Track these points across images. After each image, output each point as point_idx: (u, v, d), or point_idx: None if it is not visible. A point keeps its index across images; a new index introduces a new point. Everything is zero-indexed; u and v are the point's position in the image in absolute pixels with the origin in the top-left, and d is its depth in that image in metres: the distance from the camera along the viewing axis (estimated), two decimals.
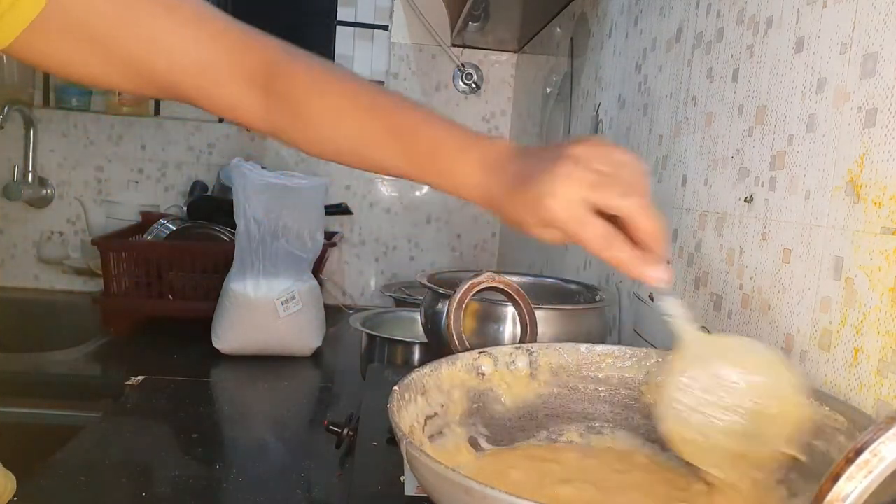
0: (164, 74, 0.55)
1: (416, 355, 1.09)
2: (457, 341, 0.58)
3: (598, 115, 1.15)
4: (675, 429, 0.46)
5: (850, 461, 0.25)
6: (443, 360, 0.52)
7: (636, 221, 0.46)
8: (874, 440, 0.25)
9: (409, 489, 0.56)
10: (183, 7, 0.55)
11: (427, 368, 0.50)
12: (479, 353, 0.54)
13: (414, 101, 0.57)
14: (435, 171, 0.53)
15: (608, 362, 0.58)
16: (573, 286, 0.90)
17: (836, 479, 0.25)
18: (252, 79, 0.56)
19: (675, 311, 0.49)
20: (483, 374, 0.54)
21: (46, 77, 1.82)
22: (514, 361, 0.56)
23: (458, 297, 0.59)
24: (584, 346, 0.58)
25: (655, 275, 0.47)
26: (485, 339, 0.71)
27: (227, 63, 0.56)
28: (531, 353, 0.56)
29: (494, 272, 0.62)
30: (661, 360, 0.56)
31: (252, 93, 0.56)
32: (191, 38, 0.55)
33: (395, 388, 0.45)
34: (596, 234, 0.46)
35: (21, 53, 0.52)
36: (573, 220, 0.46)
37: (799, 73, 0.59)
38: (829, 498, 0.25)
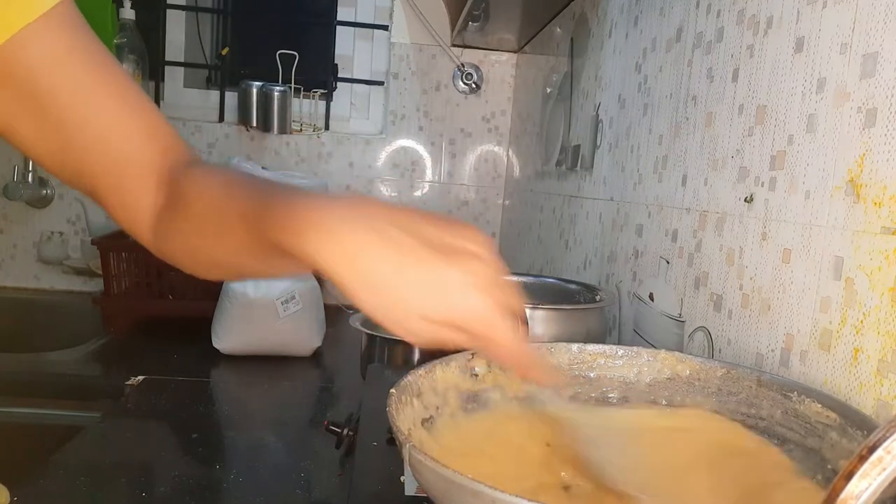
0: (85, 158, 0.53)
1: (416, 355, 1.09)
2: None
3: (598, 115, 1.15)
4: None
5: (863, 459, 0.25)
6: (437, 361, 0.52)
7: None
8: (888, 437, 0.25)
9: (409, 489, 0.56)
10: (128, 98, 0.54)
11: (422, 370, 0.50)
12: (473, 354, 0.54)
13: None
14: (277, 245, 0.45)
15: (599, 362, 0.58)
16: (573, 286, 0.90)
17: (849, 476, 0.25)
18: (159, 186, 0.54)
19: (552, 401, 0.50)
20: (477, 376, 0.54)
21: None
22: None
23: None
24: (575, 346, 0.58)
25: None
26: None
27: (147, 166, 0.54)
28: None
29: None
30: (651, 358, 0.56)
31: (153, 201, 0.55)
32: (126, 130, 0.53)
33: (392, 390, 0.45)
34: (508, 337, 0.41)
35: None
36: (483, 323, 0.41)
37: (799, 73, 0.59)
38: (842, 496, 0.25)
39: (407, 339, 0.41)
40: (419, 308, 0.39)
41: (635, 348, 0.58)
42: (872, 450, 0.25)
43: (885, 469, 0.25)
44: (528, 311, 0.67)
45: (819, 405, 0.46)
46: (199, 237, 0.52)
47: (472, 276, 0.40)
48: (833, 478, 0.42)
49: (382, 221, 0.40)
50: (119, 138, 0.53)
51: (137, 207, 0.55)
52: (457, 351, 0.56)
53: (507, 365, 0.45)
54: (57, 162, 0.54)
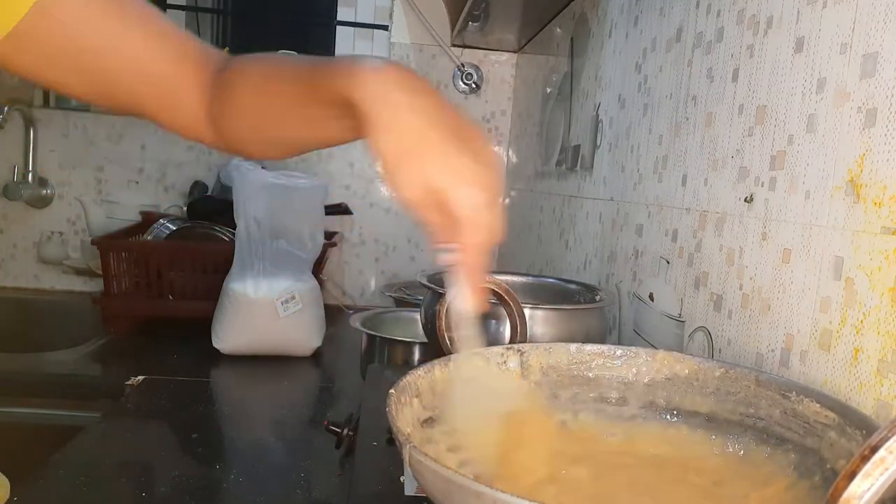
0: (131, 92, 0.57)
1: (416, 355, 1.09)
2: (449, 343, 0.58)
3: (598, 115, 1.15)
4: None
5: (865, 459, 0.25)
6: (436, 361, 0.52)
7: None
8: (889, 437, 0.25)
9: (409, 489, 0.56)
10: (153, 30, 0.57)
11: (421, 370, 0.50)
12: (472, 354, 0.54)
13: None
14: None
15: (598, 362, 0.58)
16: (573, 286, 0.90)
17: (851, 476, 0.25)
18: (206, 94, 0.58)
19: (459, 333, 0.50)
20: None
21: None
22: (505, 362, 0.56)
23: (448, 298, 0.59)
24: (573, 346, 0.58)
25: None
26: (486, 338, 0.72)
27: (189, 85, 0.58)
28: (522, 354, 0.56)
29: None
30: (650, 358, 0.56)
31: (205, 108, 0.58)
32: (161, 61, 0.57)
33: (392, 391, 0.45)
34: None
35: None
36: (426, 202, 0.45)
37: (799, 73, 0.59)
38: (845, 496, 0.25)
39: (397, 192, 0.45)
40: (429, 171, 0.44)
41: (633, 348, 0.58)
42: (875, 450, 0.25)
43: (887, 469, 0.25)
44: (527, 312, 0.67)
45: (818, 405, 0.46)
46: (254, 112, 0.56)
47: (484, 176, 0.44)
48: (832, 478, 0.42)
49: (426, 93, 0.46)
50: (156, 71, 0.56)
51: (189, 115, 0.59)
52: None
53: (459, 263, 0.46)
54: (102, 100, 0.58)
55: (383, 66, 0.47)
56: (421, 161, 0.44)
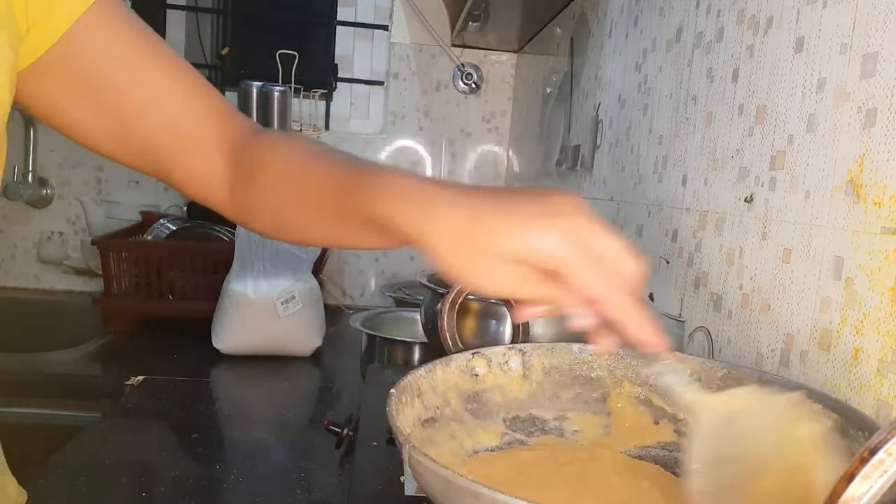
0: (145, 136, 0.54)
1: (416, 355, 1.09)
2: (451, 342, 0.58)
3: (598, 115, 1.15)
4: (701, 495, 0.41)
5: (864, 461, 0.25)
6: (437, 361, 0.52)
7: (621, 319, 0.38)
8: (889, 439, 0.25)
9: (409, 489, 0.56)
10: (182, 76, 0.55)
11: (422, 370, 0.50)
12: (473, 354, 0.54)
13: (372, 166, 0.49)
14: (370, 219, 0.45)
15: (600, 362, 0.58)
16: None
17: (850, 478, 0.25)
18: (226, 153, 0.56)
19: (673, 377, 0.42)
20: (477, 376, 0.54)
21: None
22: (507, 362, 0.56)
23: (450, 298, 0.59)
24: (575, 346, 0.58)
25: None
26: (486, 338, 0.72)
27: (210, 136, 0.55)
28: (524, 354, 0.56)
29: None
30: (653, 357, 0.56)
31: (224, 166, 0.56)
32: (186, 106, 0.54)
33: (392, 390, 0.45)
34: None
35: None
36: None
37: (799, 73, 0.59)
38: (843, 498, 0.25)
39: (489, 288, 0.39)
40: (492, 246, 0.38)
41: (636, 349, 0.57)
42: (873, 452, 0.25)
43: (886, 471, 0.25)
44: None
45: (820, 406, 0.46)
46: (282, 205, 0.53)
47: (548, 208, 0.38)
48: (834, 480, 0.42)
49: (460, 187, 0.41)
50: (179, 115, 0.54)
51: (207, 176, 0.56)
52: (458, 351, 0.56)
53: (605, 317, 0.39)
54: (115, 145, 0.55)
55: (405, 187, 0.42)
56: (482, 247, 0.38)
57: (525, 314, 0.42)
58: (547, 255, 0.37)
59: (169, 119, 0.54)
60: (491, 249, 0.38)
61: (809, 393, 0.47)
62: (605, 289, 0.37)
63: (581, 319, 0.39)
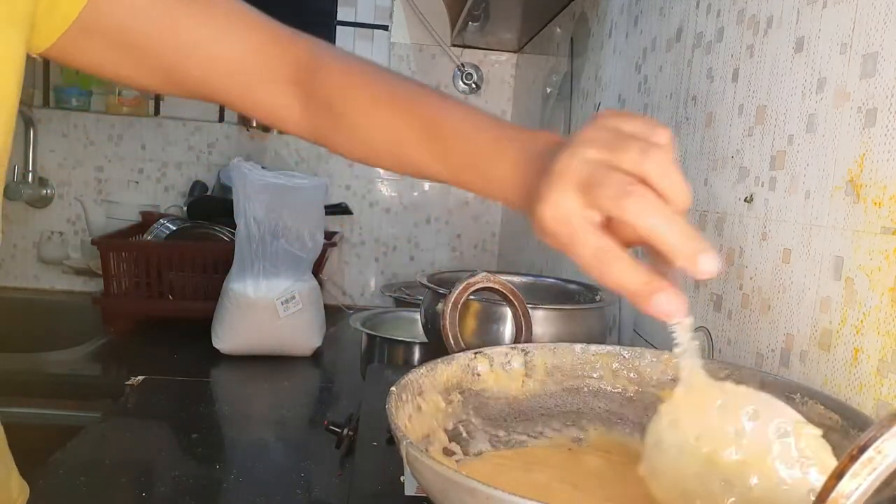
0: (198, 79, 0.54)
1: (416, 355, 1.09)
2: (452, 342, 0.58)
3: None
4: (655, 469, 0.41)
5: (853, 458, 0.25)
6: (439, 360, 0.52)
7: (639, 227, 0.35)
8: (878, 437, 0.25)
9: (409, 489, 0.56)
10: (218, 7, 0.53)
11: (423, 369, 0.50)
12: (475, 353, 0.54)
13: (453, 99, 0.52)
14: (472, 175, 0.48)
15: (602, 362, 0.58)
16: (573, 286, 0.90)
17: (839, 476, 0.25)
18: (288, 78, 0.54)
19: (687, 344, 0.41)
20: (479, 375, 0.54)
21: (46, 77, 1.82)
22: (509, 362, 0.56)
23: (453, 297, 0.59)
24: (578, 346, 0.58)
25: (661, 306, 0.36)
26: (487, 338, 0.72)
27: (263, 63, 0.54)
28: (526, 354, 0.56)
29: (490, 272, 0.62)
30: (655, 359, 0.56)
31: (289, 92, 0.55)
32: (226, 38, 0.53)
33: (392, 388, 0.45)
34: (587, 252, 0.37)
35: (52, 54, 0.51)
36: (562, 233, 0.38)
37: (799, 73, 0.59)
38: (833, 496, 0.25)
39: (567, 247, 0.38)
40: (584, 156, 0.37)
41: (639, 349, 0.57)
42: (863, 450, 0.25)
43: (875, 469, 0.25)
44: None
45: (822, 407, 0.46)
46: (370, 139, 0.53)
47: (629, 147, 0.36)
48: None
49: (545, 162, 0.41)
50: (232, 54, 0.53)
51: (276, 106, 0.55)
52: (459, 351, 0.56)
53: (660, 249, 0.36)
54: (174, 89, 0.55)
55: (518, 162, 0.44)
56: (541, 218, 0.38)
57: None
58: (634, 218, 0.35)
59: (220, 61, 0.53)
60: (537, 226, 0.40)
61: (798, 388, 0.47)
62: (667, 230, 0.35)
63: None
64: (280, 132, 0.60)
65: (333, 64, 0.55)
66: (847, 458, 0.25)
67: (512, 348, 0.56)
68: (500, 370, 0.55)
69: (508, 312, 0.71)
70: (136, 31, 0.51)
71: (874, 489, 0.25)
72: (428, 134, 0.50)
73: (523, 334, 0.62)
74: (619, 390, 0.57)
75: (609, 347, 0.58)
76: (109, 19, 0.50)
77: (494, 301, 0.70)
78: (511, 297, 0.62)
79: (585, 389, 0.57)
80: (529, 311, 0.64)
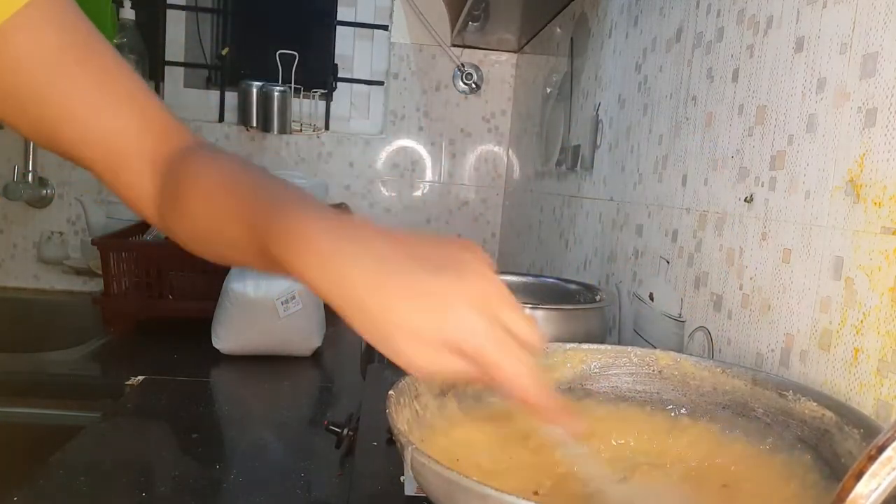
0: (71, 142, 0.52)
1: None
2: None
3: (598, 115, 1.15)
4: None
5: (872, 458, 0.25)
6: None
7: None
8: None
9: (409, 489, 0.56)
10: (115, 87, 0.51)
11: None
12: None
13: (293, 189, 0.47)
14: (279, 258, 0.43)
15: (596, 361, 0.58)
16: (573, 286, 0.90)
17: (858, 476, 0.25)
18: (158, 172, 0.53)
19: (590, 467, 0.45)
20: None
21: None
22: None
23: None
24: (569, 346, 0.58)
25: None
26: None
27: (140, 153, 0.53)
28: None
29: None
30: (646, 357, 0.56)
31: (153, 185, 0.53)
32: (114, 121, 0.51)
33: (391, 392, 0.45)
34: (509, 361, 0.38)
35: None
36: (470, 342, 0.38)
37: (799, 73, 0.59)
38: (852, 496, 0.25)
39: (407, 368, 0.38)
40: (408, 327, 0.36)
41: (628, 348, 0.57)
42: (882, 449, 0.25)
43: (894, 469, 0.24)
44: (527, 312, 0.67)
45: (815, 404, 0.46)
46: (201, 229, 0.51)
47: (465, 289, 0.37)
48: (830, 477, 0.42)
49: (372, 240, 0.39)
50: (105, 130, 0.51)
51: (138, 190, 0.54)
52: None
53: (519, 401, 0.39)
54: (47, 145, 0.53)
55: (316, 229, 0.40)
56: (389, 317, 0.37)
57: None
58: (462, 341, 0.37)
59: (92, 133, 0.51)
60: (402, 328, 0.37)
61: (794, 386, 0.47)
62: (514, 373, 0.38)
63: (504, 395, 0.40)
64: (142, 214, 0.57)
65: (198, 154, 0.53)
66: (865, 457, 0.25)
67: None
68: None
69: None
70: (22, 83, 0.49)
71: (892, 489, 0.25)
72: (245, 221, 0.46)
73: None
74: (617, 389, 0.57)
75: (601, 346, 0.58)
76: (1, 63, 0.48)
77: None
78: None
79: (580, 389, 0.57)
80: (526, 311, 0.64)
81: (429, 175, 1.96)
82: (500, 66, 1.93)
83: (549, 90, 1.52)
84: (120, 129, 0.52)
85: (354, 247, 0.38)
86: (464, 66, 1.91)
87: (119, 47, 1.73)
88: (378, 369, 0.99)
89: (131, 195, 0.55)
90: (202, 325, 1.37)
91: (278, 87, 1.82)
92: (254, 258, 0.47)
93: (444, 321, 0.37)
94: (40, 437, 1.12)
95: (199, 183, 0.51)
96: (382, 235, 0.39)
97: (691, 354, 0.57)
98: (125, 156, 0.53)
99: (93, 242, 1.53)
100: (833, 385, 0.51)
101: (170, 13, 1.87)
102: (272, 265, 0.44)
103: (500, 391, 0.40)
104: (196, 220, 0.51)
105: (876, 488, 0.25)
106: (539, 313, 0.72)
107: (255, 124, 1.84)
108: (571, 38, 1.35)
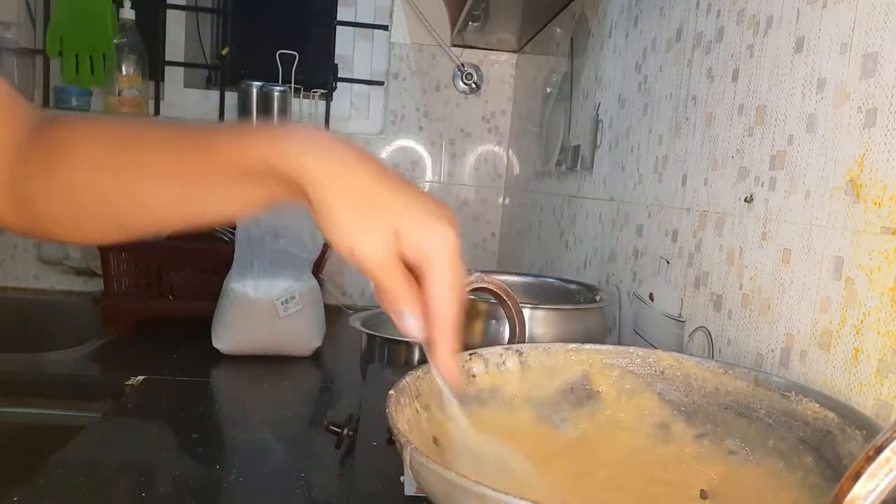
0: None
1: (416, 355, 1.09)
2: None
3: (598, 115, 1.15)
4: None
5: (870, 459, 0.25)
6: None
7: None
8: (895, 438, 0.25)
9: (409, 489, 0.56)
10: None
11: (420, 371, 0.50)
12: (470, 354, 0.54)
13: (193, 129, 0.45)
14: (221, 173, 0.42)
15: (596, 361, 0.58)
16: (573, 286, 0.90)
17: (856, 477, 0.25)
18: (7, 151, 0.47)
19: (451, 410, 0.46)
20: (475, 376, 0.54)
21: (46, 77, 1.82)
22: (504, 363, 0.56)
23: None
24: (571, 346, 0.58)
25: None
26: (488, 339, 0.72)
27: None
28: (521, 354, 0.56)
29: (484, 272, 0.62)
30: (649, 358, 0.56)
31: (3, 166, 0.47)
32: None
33: (391, 392, 0.45)
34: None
35: None
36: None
37: (799, 73, 0.59)
38: (849, 497, 0.25)
39: (356, 253, 0.39)
40: (395, 220, 0.38)
41: (630, 348, 0.57)
42: (879, 450, 0.25)
43: (892, 470, 0.24)
44: (527, 312, 0.67)
45: (817, 405, 0.46)
46: (97, 186, 0.45)
47: (448, 221, 0.40)
48: (832, 478, 0.42)
49: (364, 153, 0.41)
50: None
51: None
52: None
53: (426, 334, 0.41)
54: None
55: (306, 131, 0.41)
56: (380, 210, 0.39)
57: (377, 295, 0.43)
58: (435, 252, 0.39)
59: None
60: (387, 221, 0.39)
61: (794, 387, 0.47)
62: (449, 309, 0.40)
63: (411, 324, 0.41)
64: None
65: (65, 121, 0.48)
66: (863, 458, 0.25)
67: (506, 349, 0.56)
68: (495, 371, 0.55)
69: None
70: None
71: (890, 490, 0.25)
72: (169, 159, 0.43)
73: (517, 335, 0.62)
74: (614, 389, 0.57)
75: (602, 347, 0.58)
76: None
77: (493, 301, 0.70)
78: (504, 298, 0.62)
79: (581, 389, 0.57)
80: (526, 311, 0.64)
81: (429, 175, 1.96)
82: (500, 66, 1.93)
83: (549, 90, 1.52)
84: None
85: (348, 147, 0.41)
86: (464, 66, 1.91)
87: (119, 47, 1.73)
88: (378, 369, 0.99)
89: None
90: (202, 325, 1.37)
91: (278, 87, 1.82)
92: (179, 188, 0.43)
93: (434, 232, 0.39)
94: (40, 437, 1.12)
95: (80, 138, 0.46)
96: (372, 157, 0.42)
97: (692, 355, 0.57)
98: None
99: None
100: (833, 385, 0.51)
101: (170, 13, 1.87)
102: (212, 183, 0.42)
103: (413, 317, 0.41)
104: (80, 173, 0.45)
105: (874, 489, 0.25)
106: (539, 313, 0.72)
107: (255, 124, 1.84)
108: (571, 38, 1.35)
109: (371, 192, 0.39)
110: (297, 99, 1.87)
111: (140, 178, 0.44)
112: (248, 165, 0.41)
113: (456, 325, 0.41)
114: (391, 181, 0.40)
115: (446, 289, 0.40)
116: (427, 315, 0.41)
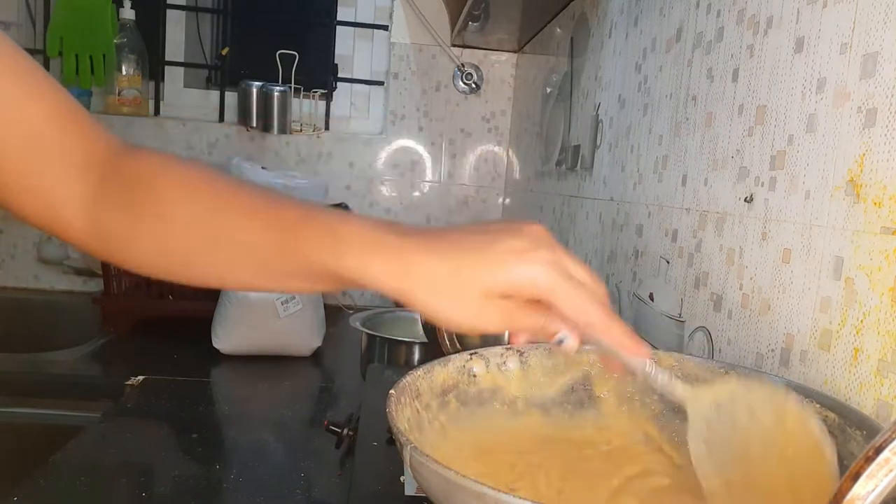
0: None
1: (416, 355, 1.09)
2: (448, 343, 0.58)
3: (598, 115, 1.15)
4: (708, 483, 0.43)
5: (870, 460, 0.25)
6: (435, 362, 0.52)
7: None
8: (894, 438, 0.25)
9: (409, 489, 0.56)
10: (29, 80, 0.46)
11: (420, 371, 0.50)
12: (471, 354, 0.54)
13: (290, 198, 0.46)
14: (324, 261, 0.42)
15: (592, 358, 0.58)
16: None
17: (855, 477, 0.25)
18: (89, 172, 0.48)
19: (661, 379, 0.45)
20: (475, 377, 0.54)
21: None
22: (505, 363, 0.56)
23: None
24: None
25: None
26: (489, 339, 0.72)
27: (65, 152, 0.47)
28: (521, 354, 0.56)
29: None
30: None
31: (83, 187, 0.47)
32: (35, 123, 0.46)
33: (392, 391, 0.45)
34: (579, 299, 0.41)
35: None
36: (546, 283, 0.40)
37: (799, 73, 0.59)
38: (849, 497, 0.25)
39: (480, 327, 0.40)
40: (477, 286, 0.39)
41: None
42: (879, 451, 0.25)
43: (891, 470, 0.25)
44: None
45: (818, 406, 0.46)
46: (178, 243, 0.47)
47: (523, 243, 0.39)
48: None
49: (421, 232, 0.41)
50: (19, 118, 0.46)
51: (56, 198, 0.48)
52: (455, 352, 0.56)
53: (594, 332, 0.41)
54: None
55: (361, 235, 0.41)
56: (457, 283, 0.39)
57: (519, 342, 0.44)
58: (534, 285, 0.39)
59: (10, 136, 0.46)
60: (477, 290, 0.39)
61: (795, 386, 0.47)
62: (592, 311, 0.40)
63: (569, 341, 0.42)
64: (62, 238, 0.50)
65: (147, 155, 0.49)
66: (863, 459, 0.25)
67: (507, 349, 0.56)
68: (496, 371, 0.55)
69: None
70: None
71: (889, 490, 0.25)
72: (266, 225, 0.44)
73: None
74: (612, 389, 0.57)
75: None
76: None
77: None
78: None
79: (581, 389, 0.57)
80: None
81: (429, 175, 1.96)
82: (500, 66, 1.93)
83: (548, 90, 1.52)
84: (34, 116, 0.46)
85: (417, 241, 0.40)
86: (464, 66, 1.91)
87: (119, 47, 1.73)
88: (378, 369, 0.99)
89: (47, 204, 0.48)
90: (202, 325, 1.37)
91: (278, 87, 1.82)
92: (261, 268, 0.45)
93: (513, 272, 0.39)
94: (40, 437, 1.12)
95: (166, 185, 0.47)
96: (433, 230, 0.42)
97: (693, 355, 0.57)
98: (48, 158, 0.47)
99: None
100: (833, 385, 0.51)
101: (170, 13, 1.87)
102: (291, 272, 0.44)
103: (573, 332, 0.41)
104: (168, 228, 0.46)
105: (873, 489, 0.25)
106: None
107: (255, 124, 1.84)
108: (571, 38, 1.35)
109: (452, 278, 0.39)
110: (297, 99, 1.87)
111: (227, 255, 0.46)
112: (329, 272, 0.42)
113: (607, 314, 0.41)
114: (460, 252, 0.40)
115: (576, 303, 0.40)
116: (577, 327, 0.41)
